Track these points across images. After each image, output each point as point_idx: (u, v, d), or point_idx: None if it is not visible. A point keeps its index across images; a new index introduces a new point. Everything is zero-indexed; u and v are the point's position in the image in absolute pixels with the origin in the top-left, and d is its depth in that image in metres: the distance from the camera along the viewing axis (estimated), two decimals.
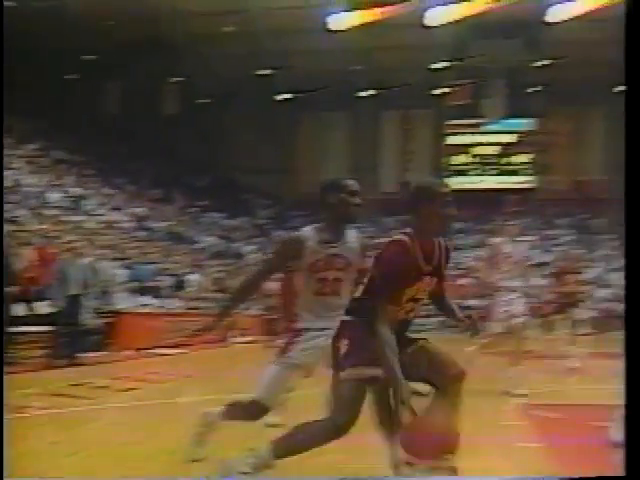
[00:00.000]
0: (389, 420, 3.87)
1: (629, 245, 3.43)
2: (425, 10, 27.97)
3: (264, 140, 35.66)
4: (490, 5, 27.05)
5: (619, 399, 5.44)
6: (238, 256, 29.12)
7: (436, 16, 28.23)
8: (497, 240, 8.70)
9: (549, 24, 28.11)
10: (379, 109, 35.46)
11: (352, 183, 4.10)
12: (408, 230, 3.65)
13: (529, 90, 32.94)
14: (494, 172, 35.83)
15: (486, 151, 36.05)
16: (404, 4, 27.40)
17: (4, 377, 6.21)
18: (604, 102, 33.26)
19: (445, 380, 3.62)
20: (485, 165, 35.91)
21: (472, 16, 27.75)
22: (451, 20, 28.25)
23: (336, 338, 3.74)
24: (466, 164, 35.89)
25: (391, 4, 27.53)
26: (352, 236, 4.16)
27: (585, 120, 35.55)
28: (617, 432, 4.93)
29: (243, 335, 17.91)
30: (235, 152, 35.64)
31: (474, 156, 36.04)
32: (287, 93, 34.03)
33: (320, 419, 3.75)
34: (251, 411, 4.11)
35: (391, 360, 3.46)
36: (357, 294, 3.81)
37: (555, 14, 27.72)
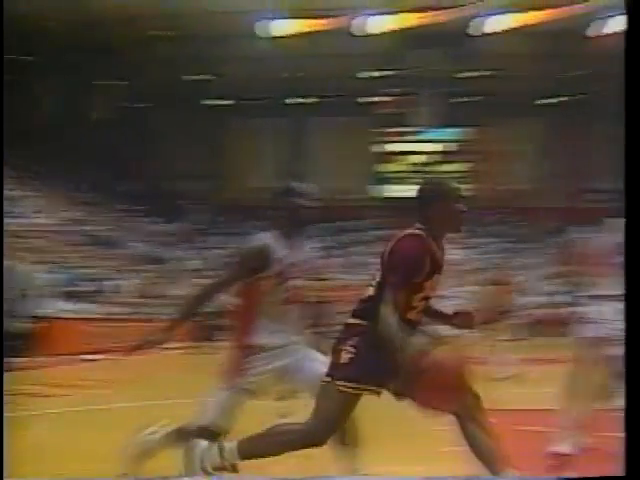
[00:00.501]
0: (349, 434, 3.81)
1: (629, 248, 3.45)
2: (358, 20, 28.16)
3: (196, 145, 35.41)
4: (423, 17, 27.36)
5: (550, 404, 5.60)
6: (168, 261, 28.82)
7: (369, 26, 28.46)
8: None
9: (480, 37, 28.62)
10: (311, 116, 35.58)
11: (307, 187, 4.01)
12: (419, 226, 3.62)
13: (459, 100, 33.50)
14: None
15: (417, 160, 36.44)
16: (338, 14, 27.53)
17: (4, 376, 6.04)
18: (530, 114, 34.10)
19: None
20: (415, 173, 36.27)
21: (405, 27, 28.05)
22: (384, 30, 28.54)
23: (339, 341, 3.57)
24: (396, 172, 36.22)
25: (325, 13, 27.62)
26: (305, 242, 4.08)
27: (513, 131, 36.27)
28: (562, 444, 5.03)
29: (176, 341, 17.70)
30: (166, 157, 35.29)
31: (404, 164, 36.39)
32: (220, 99, 33.91)
33: (298, 424, 3.60)
34: (203, 438, 3.79)
35: (390, 321, 3.40)
36: (368, 293, 3.64)
37: (486, 27, 28.23)
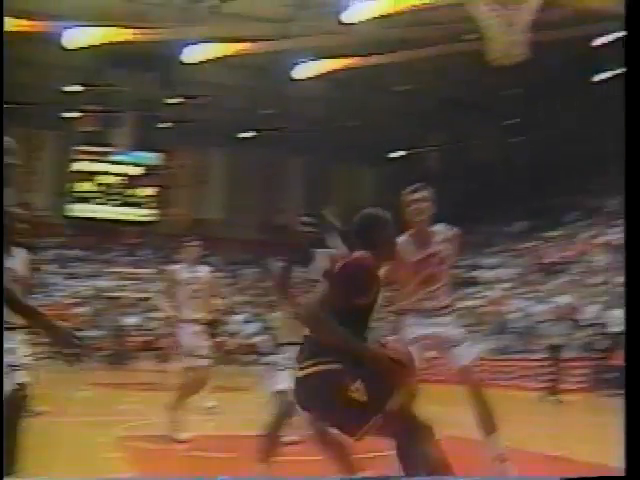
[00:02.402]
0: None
1: (629, 255, 3.38)
2: (63, 30, 27.05)
3: None
4: (131, 34, 26.85)
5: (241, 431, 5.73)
6: None
7: (74, 38, 27.39)
8: (175, 267, 7.84)
9: (185, 64, 28.76)
10: (6, 126, 33.46)
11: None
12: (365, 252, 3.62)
13: (160, 125, 33.37)
14: (118, 202, 35.68)
15: (112, 181, 35.76)
16: (45, 21, 26.26)
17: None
18: (229, 145, 34.92)
19: None
20: (110, 195, 35.63)
21: (111, 43, 27.33)
22: (90, 44, 27.57)
23: (342, 387, 3.46)
24: (91, 192, 35.31)
25: (33, 18, 26.12)
26: None
27: (209, 161, 36.95)
28: None
29: None
30: None
31: (100, 185, 35.55)
32: None
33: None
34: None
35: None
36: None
37: (191, 55, 28.42)
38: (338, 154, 35.29)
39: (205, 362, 7.66)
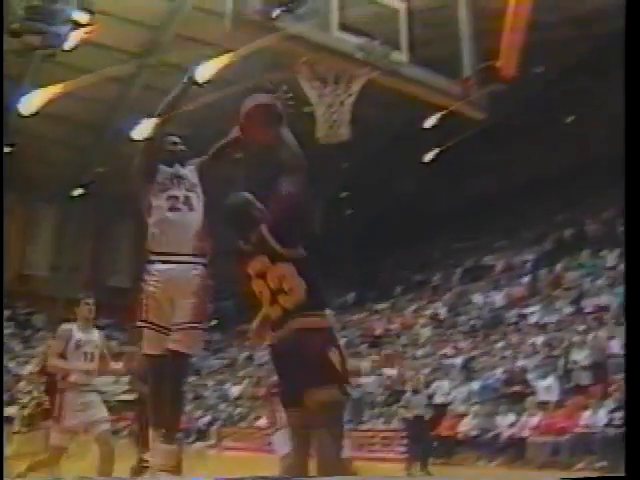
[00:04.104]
0: None
1: (629, 259, 3.42)
2: None
3: None
4: None
5: None
6: None
7: None
8: (68, 326, 7.28)
9: (18, 114, 27.69)
10: None
11: None
12: None
13: None
14: None
15: None
16: None
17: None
18: (59, 201, 33.68)
19: None
20: None
21: None
22: None
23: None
24: None
25: None
26: None
27: (37, 216, 35.45)
28: None
29: None
30: None
31: None
32: None
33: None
34: None
35: None
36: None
37: (24, 105, 27.46)
38: None
39: (106, 430, 7.17)
